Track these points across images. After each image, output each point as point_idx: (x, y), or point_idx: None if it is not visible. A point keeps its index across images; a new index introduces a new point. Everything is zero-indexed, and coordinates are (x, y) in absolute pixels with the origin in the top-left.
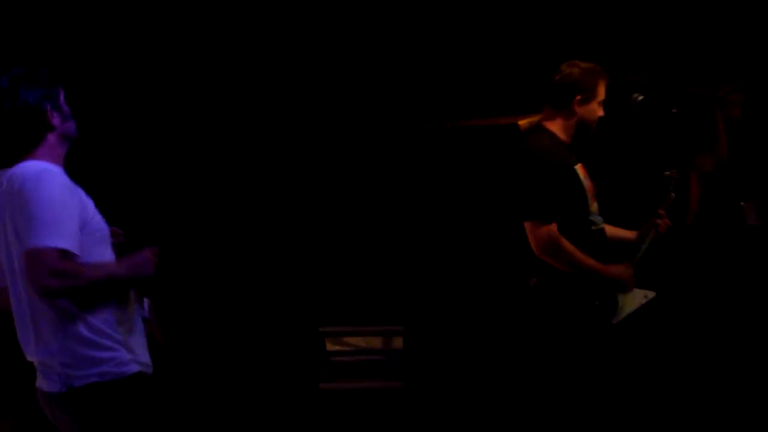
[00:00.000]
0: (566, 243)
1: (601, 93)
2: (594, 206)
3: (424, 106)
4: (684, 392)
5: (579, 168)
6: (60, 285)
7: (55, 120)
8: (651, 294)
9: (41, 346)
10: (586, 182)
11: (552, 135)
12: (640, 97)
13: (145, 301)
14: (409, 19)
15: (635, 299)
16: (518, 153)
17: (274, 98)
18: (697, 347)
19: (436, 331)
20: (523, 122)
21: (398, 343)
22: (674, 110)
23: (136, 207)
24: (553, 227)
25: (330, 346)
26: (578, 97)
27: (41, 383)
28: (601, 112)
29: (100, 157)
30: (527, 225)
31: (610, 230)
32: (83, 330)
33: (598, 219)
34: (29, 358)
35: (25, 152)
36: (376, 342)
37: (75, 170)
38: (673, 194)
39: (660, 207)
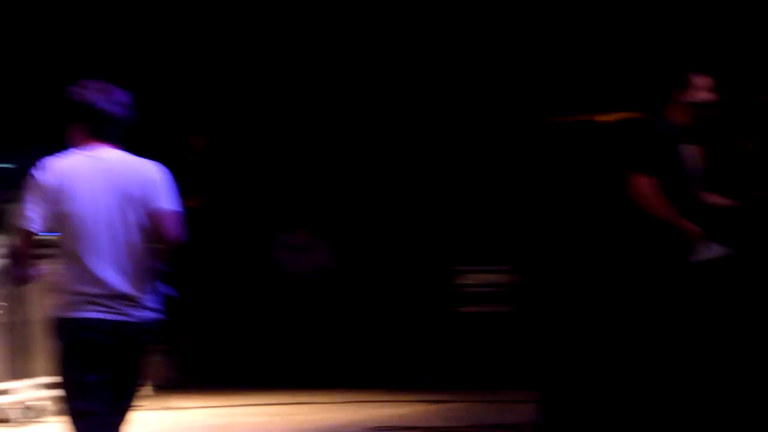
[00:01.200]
0: (659, 194)
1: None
2: (695, 178)
3: (549, 100)
4: None
5: (688, 146)
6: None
7: None
8: (727, 250)
9: (139, 285)
10: (694, 160)
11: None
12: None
13: None
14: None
15: (710, 250)
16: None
17: (427, 96)
18: None
19: (538, 269)
20: (611, 117)
21: (508, 279)
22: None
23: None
24: (653, 180)
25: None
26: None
27: (126, 313)
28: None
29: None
30: (634, 176)
31: (710, 197)
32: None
33: (696, 187)
34: (116, 291)
35: None
36: (493, 278)
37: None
38: None
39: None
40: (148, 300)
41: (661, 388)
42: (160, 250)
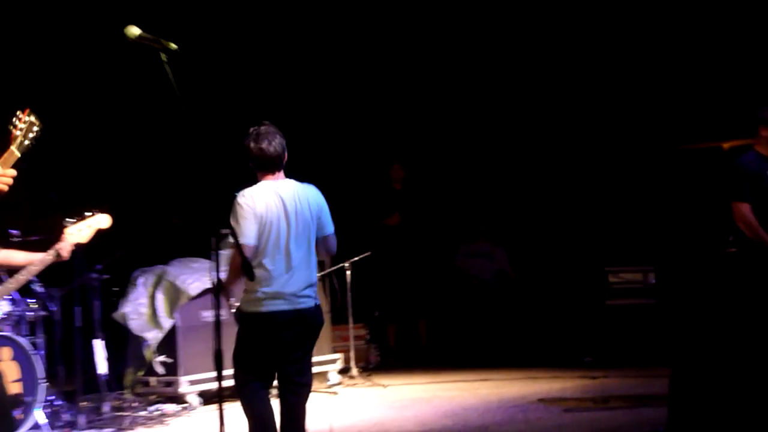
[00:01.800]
0: (752, 218)
1: None
2: None
3: (673, 128)
4: None
5: None
6: None
7: None
8: None
9: (311, 284)
10: None
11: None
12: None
13: None
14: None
15: None
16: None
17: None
18: None
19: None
20: (727, 144)
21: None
22: None
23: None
24: (746, 206)
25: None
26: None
27: (301, 304)
28: None
29: None
30: (732, 204)
31: None
32: None
33: None
34: (291, 290)
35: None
36: (638, 276)
37: None
38: None
39: None
40: (313, 294)
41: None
42: (319, 261)
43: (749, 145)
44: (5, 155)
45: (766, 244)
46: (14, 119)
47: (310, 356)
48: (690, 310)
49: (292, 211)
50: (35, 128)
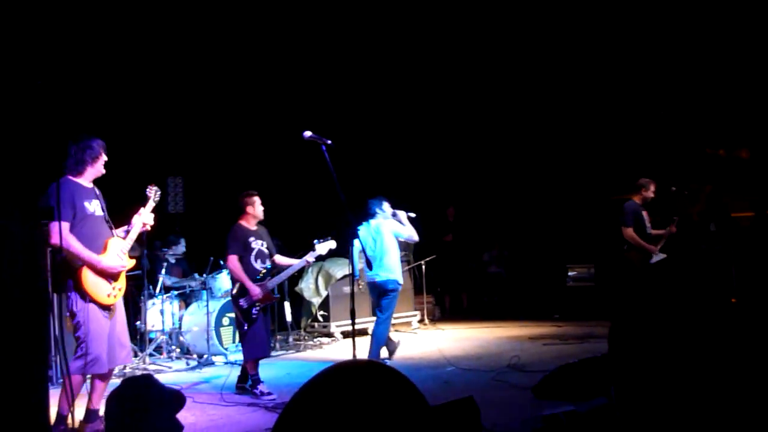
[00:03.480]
0: (635, 235)
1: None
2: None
3: None
4: None
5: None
6: None
7: None
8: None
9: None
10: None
11: (635, 201)
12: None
13: None
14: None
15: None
16: None
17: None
18: None
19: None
20: (627, 196)
21: (593, 270)
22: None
23: None
24: (630, 230)
25: (569, 270)
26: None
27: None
28: None
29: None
30: (622, 228)
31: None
32: None
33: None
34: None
35: None
36: (584, 269)
37: None
38: None
39: None
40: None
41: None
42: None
43: (630, 197)
44: (146, 208)
45: (644, 247)
46: (148, 188)
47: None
48: (619, 288)
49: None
50: (159, 195)
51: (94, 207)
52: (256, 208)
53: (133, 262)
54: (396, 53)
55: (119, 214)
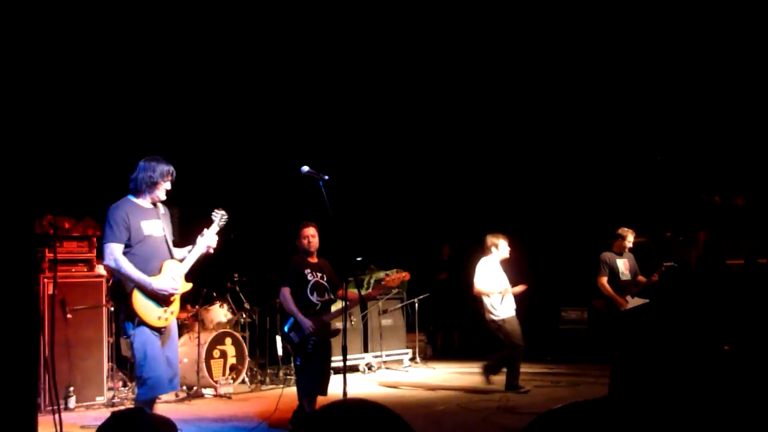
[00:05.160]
0: (607, 285)
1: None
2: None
3: None
4: None
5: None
6: None
7: None
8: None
9: None
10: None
11: (613, 250)
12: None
13: None
14: None
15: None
16: None
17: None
18: None
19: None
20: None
21: (587, 314)
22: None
23: None
24: (604, 279)
25: (563, 313)
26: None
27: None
28: None
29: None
30: (597, 277)
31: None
32: None
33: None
34: None
35: None
36: (578, 312)
37: None
38: None
39: None
40: None
41: None
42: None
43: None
44: (210, 230)
45: (614, 299)
46: (214, 212)
47: None
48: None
49: None
50: (225, 219)
51: (153, 228)
52: (301, 240)
53: (189, 285)
54: (390, 89)
55: None
